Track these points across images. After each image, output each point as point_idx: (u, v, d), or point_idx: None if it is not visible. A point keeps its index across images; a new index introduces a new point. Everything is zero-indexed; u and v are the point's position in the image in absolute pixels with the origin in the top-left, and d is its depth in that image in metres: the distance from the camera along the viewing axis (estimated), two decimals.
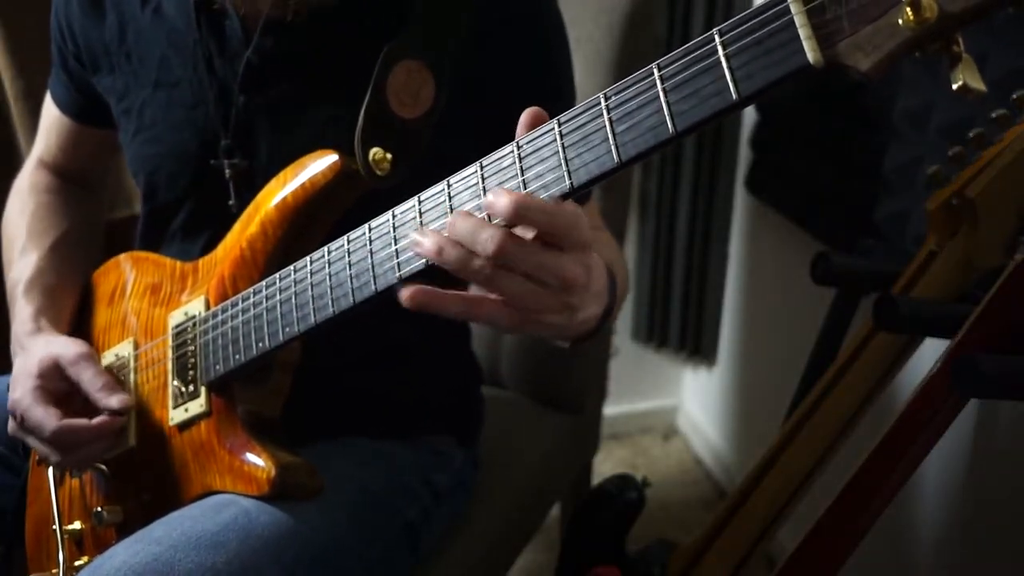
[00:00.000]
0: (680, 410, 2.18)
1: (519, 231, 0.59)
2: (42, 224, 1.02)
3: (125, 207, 1.47)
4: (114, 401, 0.83)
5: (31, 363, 0.85)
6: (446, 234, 0.59)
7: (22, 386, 0.84)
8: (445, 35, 0.81)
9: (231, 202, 0.87)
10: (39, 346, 0.88)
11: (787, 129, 1.54)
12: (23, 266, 0.97)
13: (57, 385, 0.85)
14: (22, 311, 0.93)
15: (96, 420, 0.82)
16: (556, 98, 0.90)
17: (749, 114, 1.68)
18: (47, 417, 0.82)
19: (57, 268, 0.98)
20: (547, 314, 0.61)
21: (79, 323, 0.98)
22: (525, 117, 0.60)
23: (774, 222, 1.63)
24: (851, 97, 1.32)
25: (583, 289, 0.62)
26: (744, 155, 1.74)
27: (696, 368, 2.07)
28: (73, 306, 0.98)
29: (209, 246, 0.89)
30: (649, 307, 1.98)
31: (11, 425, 0.86)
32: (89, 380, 0.84)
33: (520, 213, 0.56)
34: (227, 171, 0.86)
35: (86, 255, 1.03)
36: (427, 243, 0.60)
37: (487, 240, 0.57)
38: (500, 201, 0.56)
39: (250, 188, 0.84)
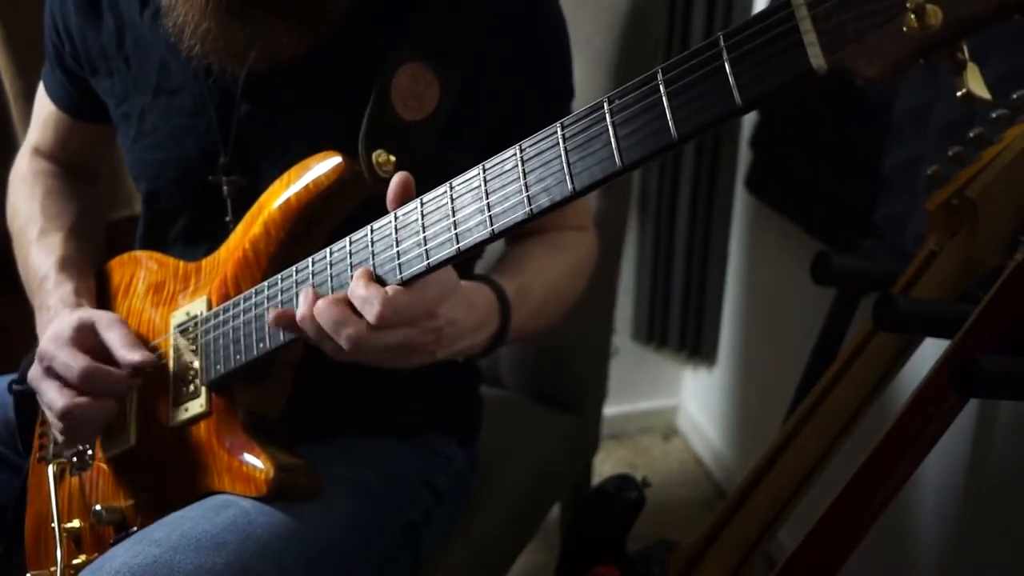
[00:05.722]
0: (680, 410, 2.18)
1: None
2: (56, 207, 1.02)
3: (125, 207, 1.47)
4: (136, 356, 0.81)
5: (68, 321, 0.84)
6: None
7: (55, 337, 0.83)
8: (450, 38, 0.80)
9: (228, 218, 0.86)
10: (80, 312, 0.87)
11: (787, 129, 1.54)
12: (49, 245, 0.97)
13: (89, 340, 0.84)
14: (62, 286, 0.92)
15: (120, 371, 0.82)
16: (559, 99, 0.91)
17: (749, 114, 1.68)
18: (76, 358, 0.81)
19: (80, 251, 0.98)
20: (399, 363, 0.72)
21: None
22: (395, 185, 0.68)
23: (774, 222, 1.63)
24: (851, 97, 1.32)
25: (432, 345, 0.72)
26: (744, 155, 1.74)
27: (696, 368, 2.07)
28: (95, 291, 0.97)
29: (211, 253, 0.88)
30: (649, 307, 1.98)
31: (34, 369, 0.84)
32: (115, 337, 0.83)
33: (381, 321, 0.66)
34: (225, 188, 0.86)
35: (94, 243, 1.03)
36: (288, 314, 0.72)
37: (347, 336, 0.67)
38: (372, 310, 0.66)
39: (249, 206, 0.83)
